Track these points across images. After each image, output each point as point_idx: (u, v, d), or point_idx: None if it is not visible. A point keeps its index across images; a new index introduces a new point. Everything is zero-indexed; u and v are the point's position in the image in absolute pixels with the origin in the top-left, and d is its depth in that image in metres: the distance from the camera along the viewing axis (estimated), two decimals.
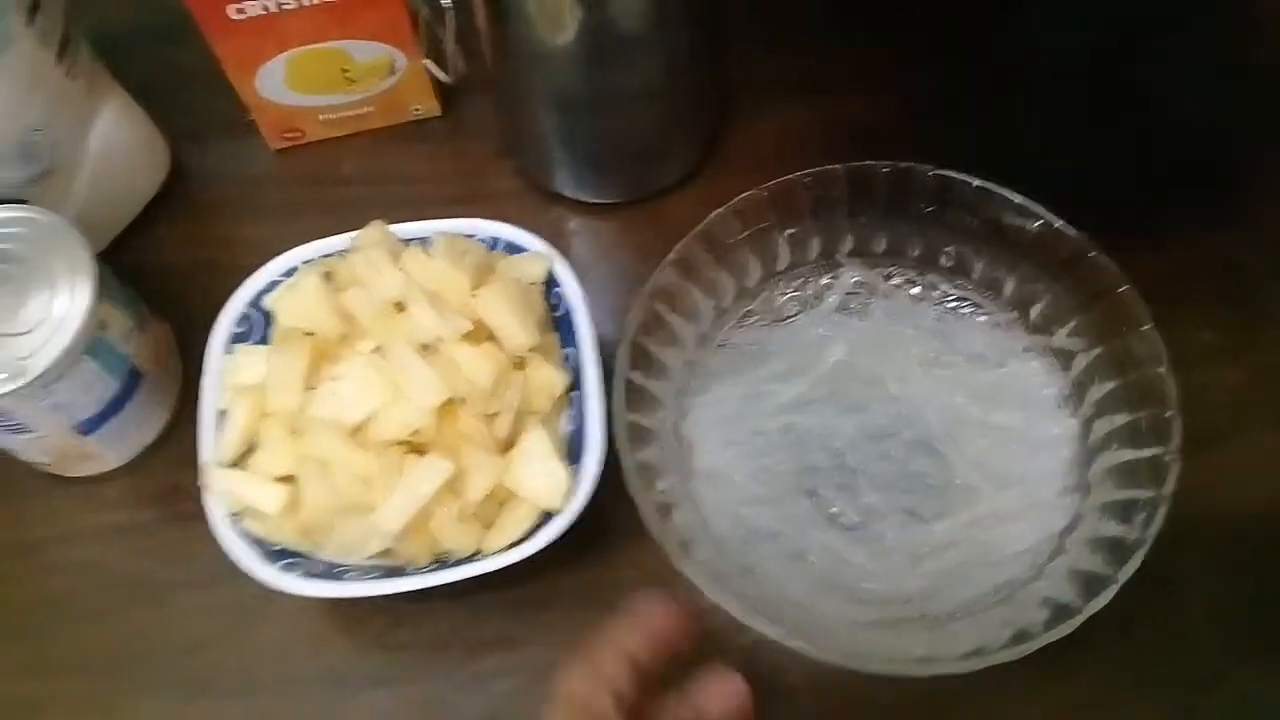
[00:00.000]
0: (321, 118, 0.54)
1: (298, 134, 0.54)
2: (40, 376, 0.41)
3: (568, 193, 0.53)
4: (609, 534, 0.44)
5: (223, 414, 0.43)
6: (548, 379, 0.43)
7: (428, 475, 0.40)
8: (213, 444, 0.43)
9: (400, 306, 0.43)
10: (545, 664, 0.33)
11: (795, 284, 0.47)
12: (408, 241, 0.46)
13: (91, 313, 0.42)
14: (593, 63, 0.46)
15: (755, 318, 0.46)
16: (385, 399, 0.41)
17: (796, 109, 0.55)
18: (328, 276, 0.44)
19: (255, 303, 0.46)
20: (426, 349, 0.42)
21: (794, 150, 0.53)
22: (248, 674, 0.45)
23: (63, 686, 0.44)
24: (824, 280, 0.47)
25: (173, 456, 0.48)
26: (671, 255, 0.43)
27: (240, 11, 0.47)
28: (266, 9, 0.47)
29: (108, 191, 0.50)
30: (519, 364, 0.43)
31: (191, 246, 0.54)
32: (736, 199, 0.43)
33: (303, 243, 0.52)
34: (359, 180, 0.55)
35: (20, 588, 0.46)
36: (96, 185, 0.50)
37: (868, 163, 0.43)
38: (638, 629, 0.34)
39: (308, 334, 0.42)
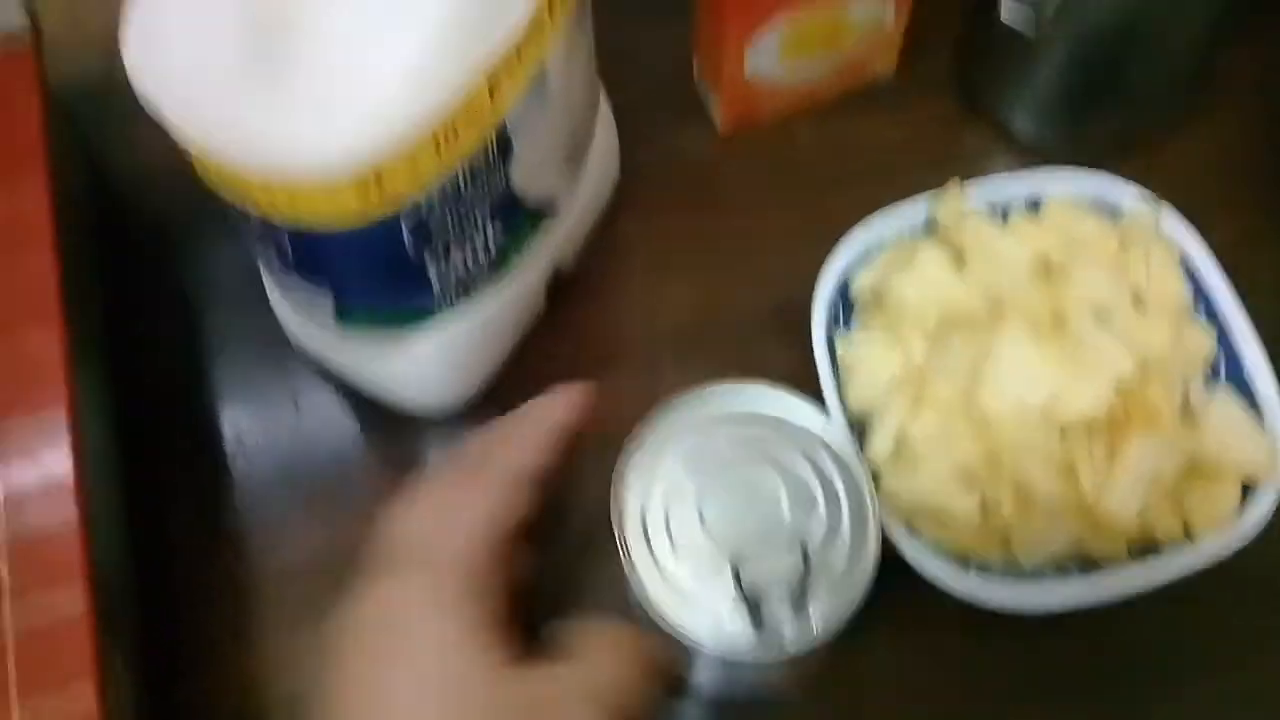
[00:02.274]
0: (784, 91, 0.49)
1: (753, 112, 0.50)
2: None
3: (1058, 144, 0.49)
4: None
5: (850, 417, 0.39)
6: (1199, 340, 0.40)
7: (1148, 453, 0.36)
8: (852, 443, 0.39)
9: (1044, 275, 0.39)
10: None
11: None
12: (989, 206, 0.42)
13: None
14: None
15: None
16: (1064, 376, 0.38)
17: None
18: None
19: (840, 289, 0.42)
20: (1097, 317, 0.38)
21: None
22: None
23: None
24: None
25: None
26: None
27: None
28: None
29: (590, 197, 0.46)
30: None
31: (657, 242, 0.49)
32: None
33: (777, 227, 0.49)
34: (820, 154, 0.51)
35: None
36: (587, 192, 0.45)
37: None
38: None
39: (968, 316, 0.38)
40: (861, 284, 0.42)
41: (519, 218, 0.38)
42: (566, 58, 0.36)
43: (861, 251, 0.42)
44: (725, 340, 0.46)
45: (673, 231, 0.49)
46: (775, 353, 0.45)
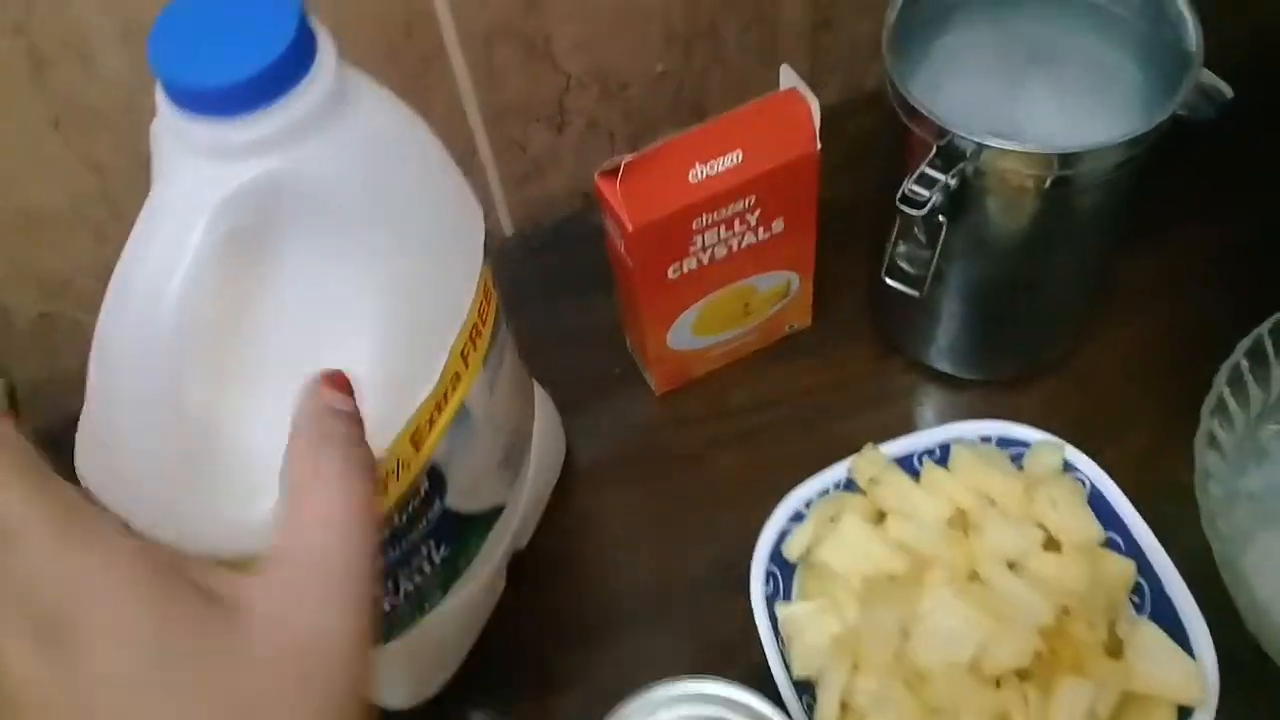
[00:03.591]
0: (710, 354, 0.53)
1: (684, 374, 0.54)
2: None
3: (971, 375, 0.52)
4: None
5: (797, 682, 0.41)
6: (1119, 570, 0.42)
7: (1078, 697, 0.38)
8: (801, 711, 0.40)
9: (959, 526, 0.42)
10: None
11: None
12: (903, 460, 0.45)
13: None
14: (1040, 254, 0.46)
15: (1248, 460, 0.46)
16: (989, 628, 0.39)
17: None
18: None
19: (773, 557, 0.44)
20: (1012, 566, 0.41)
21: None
22: None
23: None
24: None
25: None
26: (1209, 403, 0.42)
27: (677, 270, 0.47)
28: (700, 263, 0.47)
29: (538, 484, 0.48)
30: None
31: (608, 510, 0.52)
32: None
33: (718, 482, 0.52)
34: (750, 408, 0.54)
35: None
36: (534, 481, 0.47)
37: None
38: None
39: (891, 578, 0.41)
40: (794, 547, 0.44)
41: (464, 530, 0.41)
42: (490, 386, 0.39)
43: (792, 514, 0.45)
44: (678, 603, 0.48)
45: (622, 497, 0.52)
46: (726, 610, 0.46)
